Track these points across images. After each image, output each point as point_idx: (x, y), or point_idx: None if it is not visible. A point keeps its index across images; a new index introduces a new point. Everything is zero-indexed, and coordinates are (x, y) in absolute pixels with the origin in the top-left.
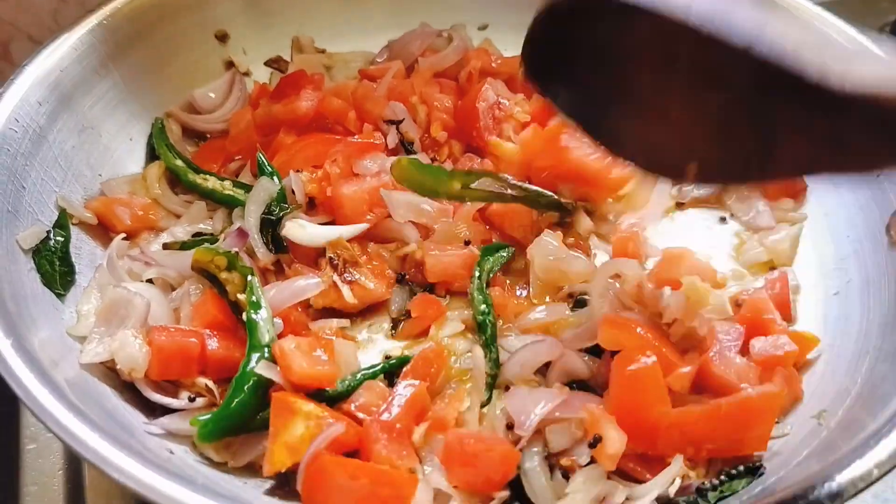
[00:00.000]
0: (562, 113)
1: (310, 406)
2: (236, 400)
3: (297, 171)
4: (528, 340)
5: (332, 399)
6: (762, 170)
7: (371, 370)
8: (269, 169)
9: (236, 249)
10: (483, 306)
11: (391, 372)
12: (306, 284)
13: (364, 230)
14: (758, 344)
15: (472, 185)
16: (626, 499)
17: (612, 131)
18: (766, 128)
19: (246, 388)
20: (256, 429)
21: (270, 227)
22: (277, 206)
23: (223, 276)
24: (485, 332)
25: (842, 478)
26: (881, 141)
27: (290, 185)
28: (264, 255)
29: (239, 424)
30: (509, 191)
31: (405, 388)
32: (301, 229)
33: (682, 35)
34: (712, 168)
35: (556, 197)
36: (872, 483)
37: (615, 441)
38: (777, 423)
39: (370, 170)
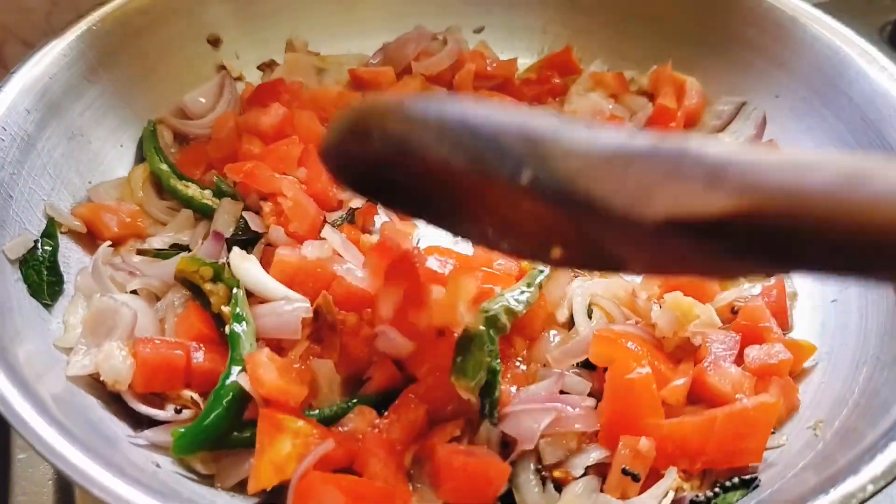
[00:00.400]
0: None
1: (298, 423)
2: (213, 413)
3: (260, 196)
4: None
5: (324, 421)
6: (620, 269)
7: (366, 397)
8: (226, 188)
9: (213, 259)
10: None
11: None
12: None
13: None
14: (752, 353)
15: None
16: None
17: (452, 227)
18: (594, 242)
19: (225, 401)
20: (237, 445)
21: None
22: (243, 228)
23: (207, 287)
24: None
25: (836, 493)
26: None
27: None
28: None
29: (214, 438)
30: None
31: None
32: (246, 269)
33: (457, 172)
34: (575, 257)
35: None
36: (868, 499)
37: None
38: (773, 433)
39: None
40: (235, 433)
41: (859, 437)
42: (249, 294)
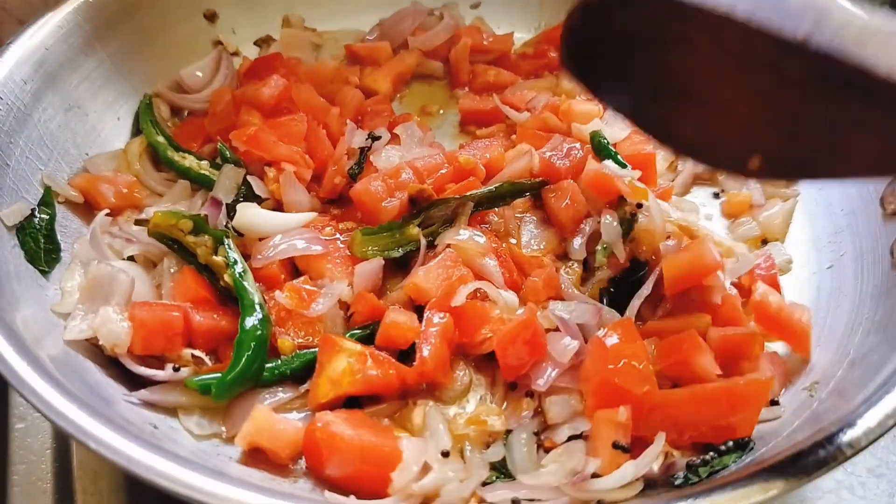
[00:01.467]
0: (606, 104)
1: (350, 344)
2: (245, 357)
3: (265, 162)
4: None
5: (362, 340)
6: (831, 169)
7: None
8: (230, 156)
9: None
10: None
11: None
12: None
13: (312, 218)
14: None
15: (433, 212)
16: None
17: (663, 124)
18: (831, 126)
19: (252, 344)
20: (272, 381)
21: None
22: (244, 194)
23: (189, 239)
24: None
25: (831, 446)
26: None
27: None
28: (232, 237)
29: (251, 378)
30: (471, 203)
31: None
32: (254, 216)
33: (730, 28)
34: (776, 163)
35: (524, 181)
36: (861, 450)
37: None
38: (773, 403)
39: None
40: (267, 373)
41: (853, 394)
42: None
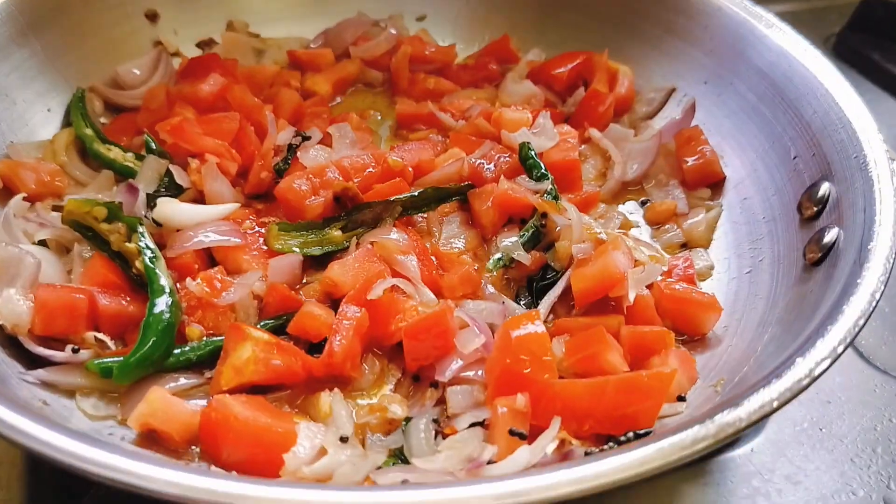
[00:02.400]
0: None
1: (258, 333)
2: (150, 340)
3: (190, 154)
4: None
5: (272, 330)
6: None
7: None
8: (155, 147)
9: (120, 201)
10: None
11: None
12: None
13: (232, 210)
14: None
15: (357, 216)
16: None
17: None
18: None
19: (159, 328)
20: (177, 367)
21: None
22: (166, 185)
23: (103, 227)
24: None
25: (712, 424)
26: None
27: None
28: (149, 227)
29: (155, 361)
30: (399, 207)
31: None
32: (172, 208)
33: None
34: None
35: (449, 186)
36: (742, 430)
37: None
38: (680, 399)
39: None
40: (172, 358)
41: (749, 384)
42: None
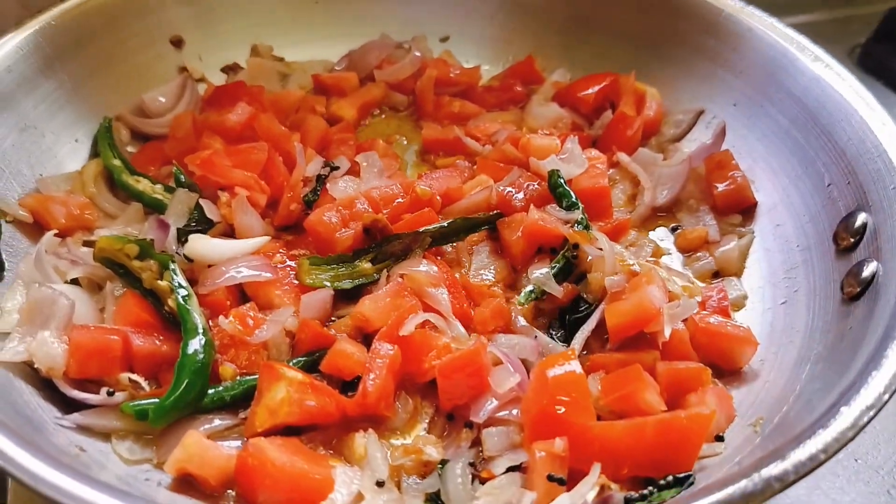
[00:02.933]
0: None
1: (292, 373)
2: (185, 381)
3: (219, 187)
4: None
5: (304, 367)
6: None
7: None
8: (185, 180)
9: (151, 238)
10: None
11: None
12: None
13: (263, 244)
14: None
15: (387, 248)
16: None
17: None
18: None
19: (192, 369)
20: (212, 408)
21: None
22: (196, 219)
23: (135, 264)
24: None
25: (759, 477)
26: None
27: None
28: (180, 263)
29: (190, 403)
30: (428, 238)
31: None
32: (204, 244)
33: None
34: None
35: (478, 216)
36: (789, 485)
37: None
38: (718, 439)
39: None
40: (206, 399)
41: (793, 428)
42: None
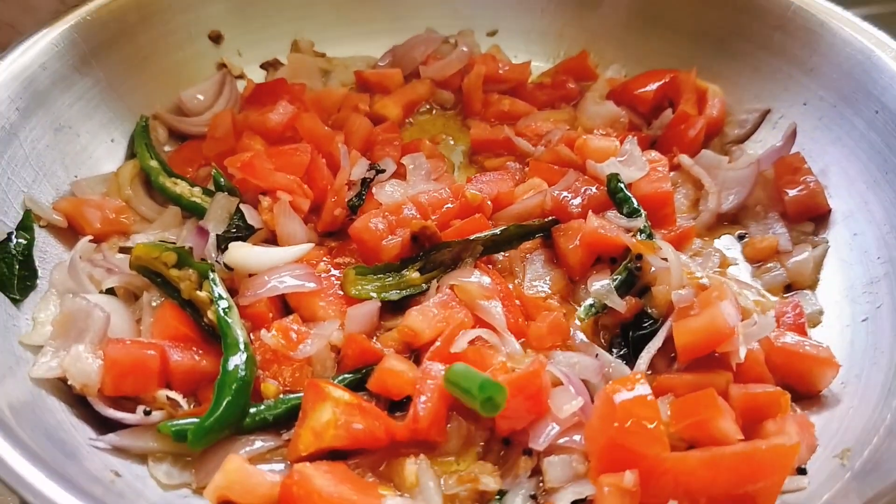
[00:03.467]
0: None
1: (339, 392)
2: (224, 401)
3: (260, 191)
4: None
5: (350, 385)
6: None
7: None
8: (224, 183)
9: (190, 245)
10: None
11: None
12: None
13: (306, 252)
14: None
15: (436, 256)
16: None
17: None
18: None
19: (233, 387)
20: (254, 428)
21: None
22: (237, 225)
23: (173, 273)
24: None
25: None
26: None
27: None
28: (220, 272)
29: (231, 424)
30: (480, 246)
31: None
32: (245, 253)
33: None
34: None
35: (532, 223)
36: None
37: None
38: (800, 471)
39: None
40: (248, 419)
41: (889, 471)
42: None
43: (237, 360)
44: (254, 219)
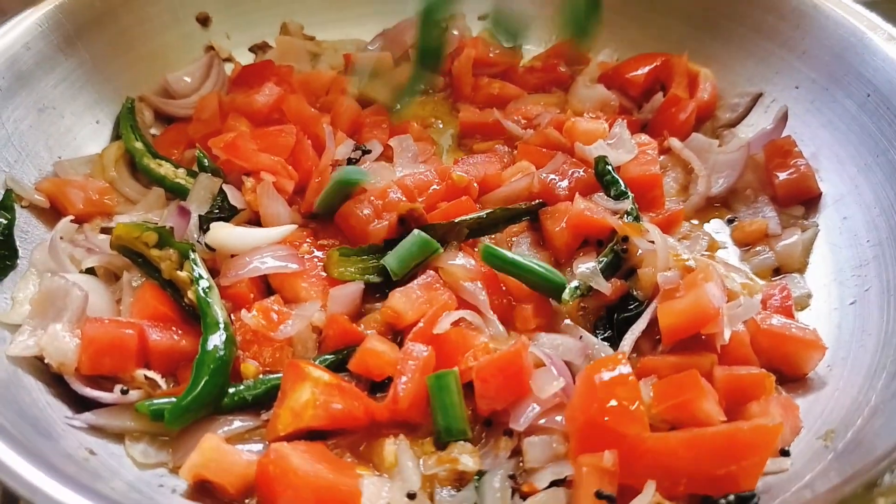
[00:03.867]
0: None
1: (318, 373)
2: (202, 381)
3: (244, 172)
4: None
5: (330, 366)
6: None
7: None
8: (208, 164)
9: (171, 226)
10: None
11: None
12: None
13: (289, 233)
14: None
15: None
16: None
17: None
18: None
19: (212, 367)
20: (233, 408)
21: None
22: (219, 206)
23: (154, 253)
24: None
25: None
26: None
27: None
28: (202, 252)
29: (209, 403)
30: (465, 229)
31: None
32: (226, 233)
33: None
34: None
35: (518, 206)
36: None
37: None
38: (783, 453)
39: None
40: (227, 398)
41: (870, 450)
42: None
43: (216, 340)
44: (237, 199)
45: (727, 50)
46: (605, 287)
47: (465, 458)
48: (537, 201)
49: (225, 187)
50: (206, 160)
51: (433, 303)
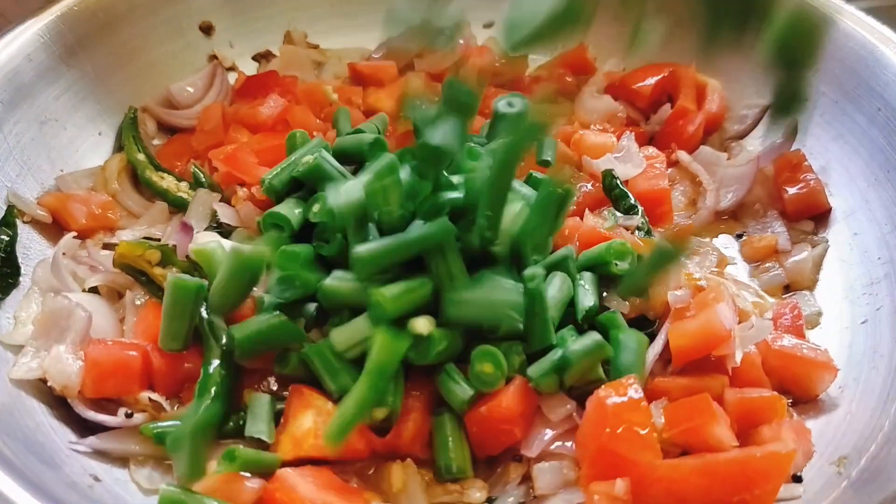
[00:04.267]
0: None
1: (323, 401)
2: (203, 405)
3: (239, 183)
4: None
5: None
6: None
7: None
8: (204, 179)
9: (173, 243)
10: None
11: None
12: None
13: None
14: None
15: None
16: None
17: None
18: None
19: (213, 391)
20: (234, 434)
21: None
22: (219, 220)
23: (157, 271)
24: None
25: None
26: None
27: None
28: None
29: (209, 428)
30: None
31: None
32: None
33: None
34: None
35: None
36: None
37: None
38: (795, 479)
39: None
40: (231, 423)
41: (888, 480)
42: None
43: (219, 362)
44: (228, 217)
45: (735, 61)
46: (625, 307)
47: (473, 491)
48: None
49: (215, 205)
50: (201, 175)
51: None
